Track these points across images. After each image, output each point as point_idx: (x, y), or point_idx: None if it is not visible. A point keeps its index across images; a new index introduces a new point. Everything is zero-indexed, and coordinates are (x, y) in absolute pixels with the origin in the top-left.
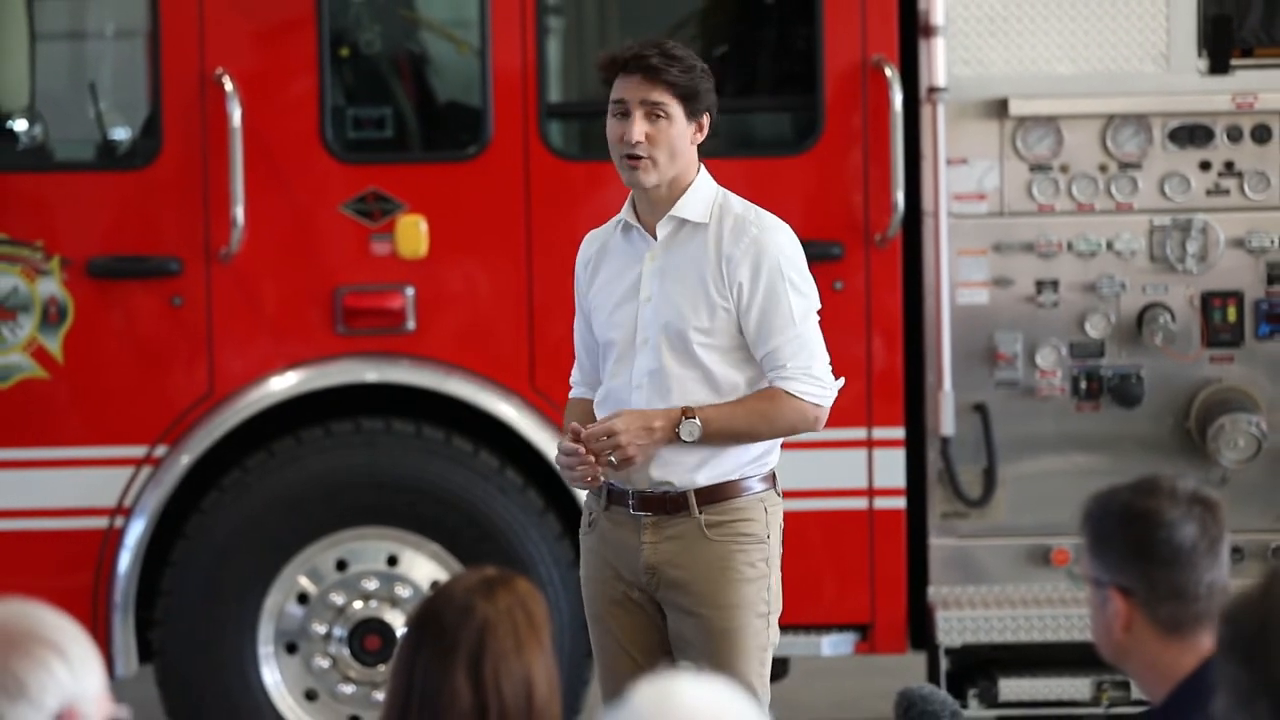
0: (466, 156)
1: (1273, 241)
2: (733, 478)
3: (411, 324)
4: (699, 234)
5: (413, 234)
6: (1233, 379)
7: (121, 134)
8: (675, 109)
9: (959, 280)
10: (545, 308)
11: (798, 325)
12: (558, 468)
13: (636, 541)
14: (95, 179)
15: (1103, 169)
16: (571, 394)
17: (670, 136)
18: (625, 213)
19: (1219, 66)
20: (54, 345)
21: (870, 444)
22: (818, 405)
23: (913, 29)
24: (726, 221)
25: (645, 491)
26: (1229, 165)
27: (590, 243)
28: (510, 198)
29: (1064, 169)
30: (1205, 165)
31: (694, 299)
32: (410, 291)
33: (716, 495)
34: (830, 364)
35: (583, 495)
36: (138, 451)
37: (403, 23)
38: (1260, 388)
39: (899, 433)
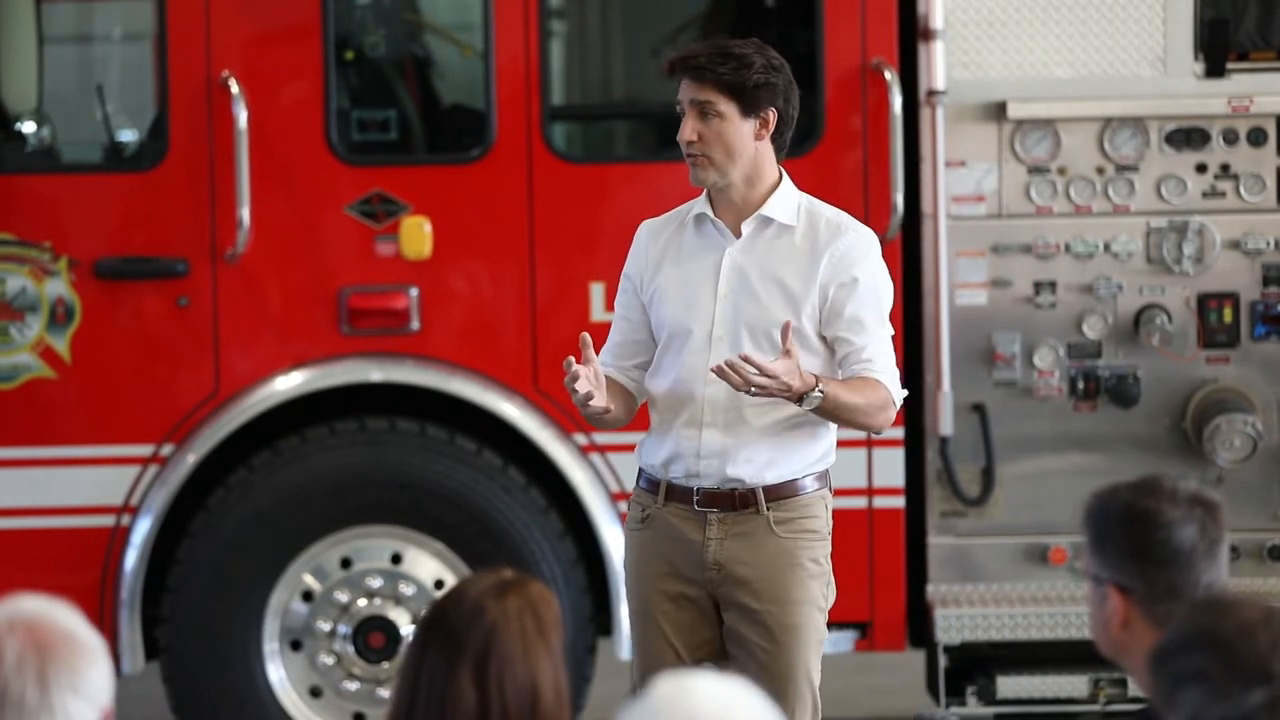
0: (470, 159)
1: (1268, 243)
2: (798, 476)
3: (415, 324)
4: (785, 235)
5: (417, 235)
6: (1229, 379)
7: (128, 136)
8: (727, 107)
9: (958, 281)
10: (548, 309)
11: (884, 329)
12: (571, 387)
13: (701, 538)
14: (102, 180)
15: (1100, 171)
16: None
17: (724, 134)
18: (700, 206)
19: (1215, 70)
20: (61, 345)
21: (869, 443)
22: (896, 407)
23: (912, 32)
24: (818, 224)
25: (713, 489)
26: (1225, 168)
27: (652, 233)
28: (513, 199)
29: (1062, 171)
30: (1201, 168)
31: (781, 297)
32: (414, 292)
33: (783, 492)
34: None
35: (586, 493)
36: (144, 450)
37: (407, 26)
38: (1256, 388)
39: (898, 432)
